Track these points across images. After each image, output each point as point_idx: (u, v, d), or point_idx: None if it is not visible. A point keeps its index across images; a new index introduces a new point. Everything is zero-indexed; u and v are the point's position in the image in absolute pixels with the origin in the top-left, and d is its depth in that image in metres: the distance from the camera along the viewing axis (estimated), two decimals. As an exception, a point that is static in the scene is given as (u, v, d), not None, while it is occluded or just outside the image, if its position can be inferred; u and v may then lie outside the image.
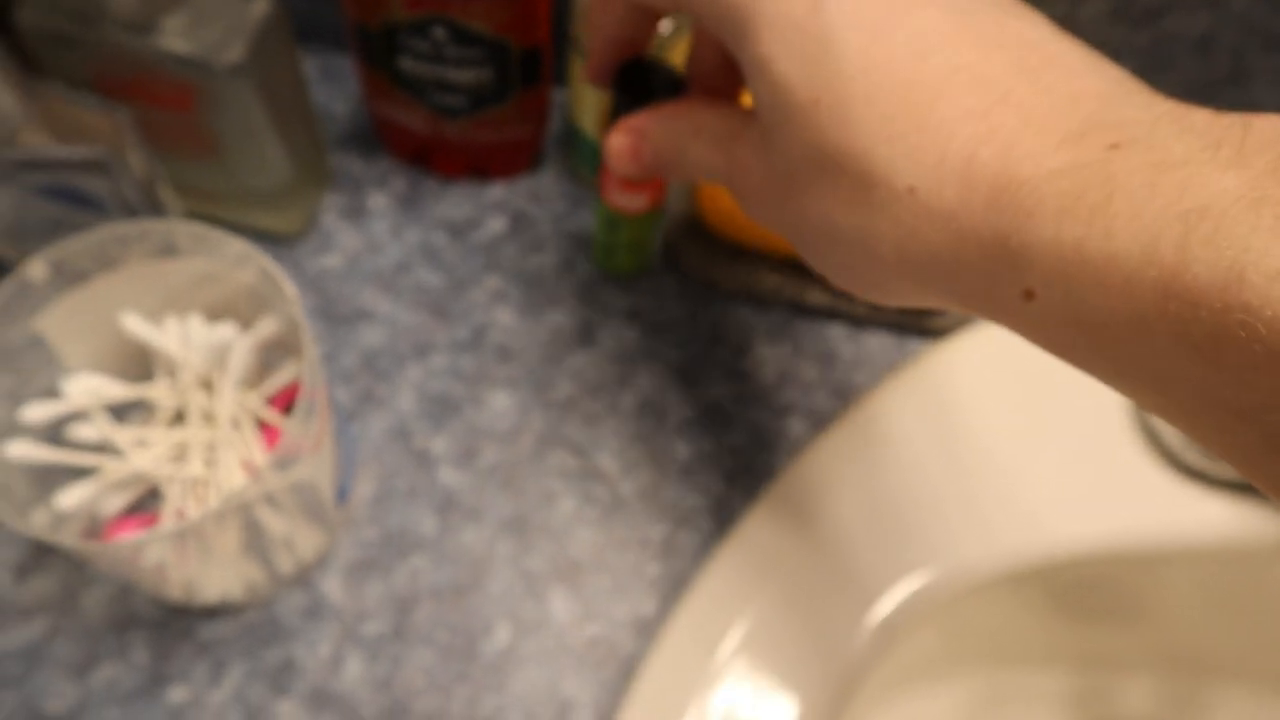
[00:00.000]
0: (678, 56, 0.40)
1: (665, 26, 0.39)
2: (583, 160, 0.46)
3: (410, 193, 0.47)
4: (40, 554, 0.39)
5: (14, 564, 0.38)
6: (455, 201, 0.47)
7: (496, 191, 0.47)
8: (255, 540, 0.35)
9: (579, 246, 0.46)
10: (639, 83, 0.35)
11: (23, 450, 0.34)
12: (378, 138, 0.47)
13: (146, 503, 0.39)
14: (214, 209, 0.44)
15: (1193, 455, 0.40)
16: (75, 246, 0.33)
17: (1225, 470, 0.40)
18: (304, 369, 0.32)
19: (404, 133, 0.45)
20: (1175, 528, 0.40)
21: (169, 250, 0.36)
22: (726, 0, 0.26)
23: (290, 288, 0.33)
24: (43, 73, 0.38)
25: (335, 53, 0.50)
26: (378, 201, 0.47)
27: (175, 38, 0.35)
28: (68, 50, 0.37)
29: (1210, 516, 0.41)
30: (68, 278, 0.35)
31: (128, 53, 0.36)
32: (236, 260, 0.35)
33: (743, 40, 0.26)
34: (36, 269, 0.33)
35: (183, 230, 0.35)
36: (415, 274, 0.45)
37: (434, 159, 0.46)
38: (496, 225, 0.46)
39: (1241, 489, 0.41)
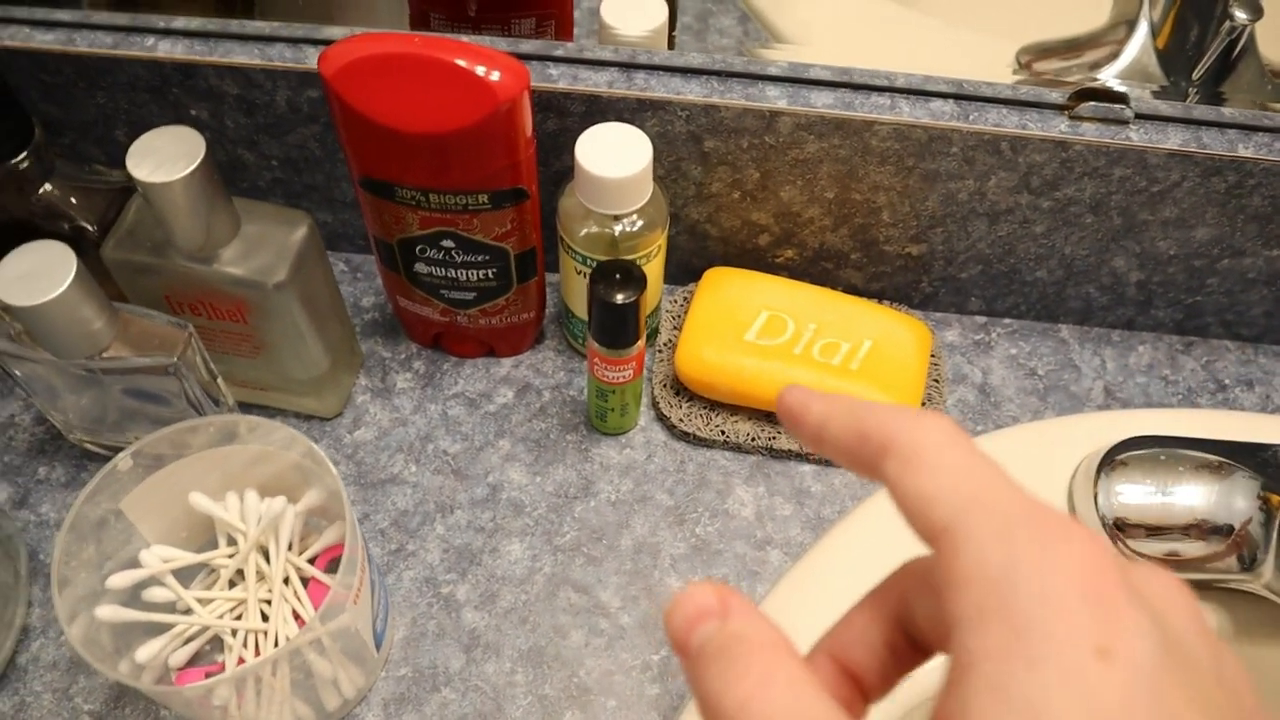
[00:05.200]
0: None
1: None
2: (575, 336, 0.53)
3: (430, 372, 0.54)
4: (117, 703, 0.44)
5: (95, 713, 0.44)
6: (469, 378, 0.54)
7: (504, 367, 0.54)
8: (305, 681, 0.41)
9: (577, 410, 0.53)
10: (610, 278, 0.43)
11: (110, 612, 0.41)
12: (400, 325, 0.55)
13: (209, 654, 0.45)
14: (263, 398, 0.52)
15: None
16: (154, 439, 0.41)
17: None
18: (346, 533, 0.39)
19: (422, 321, 0.53)
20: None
21: (228, 438, 0.43)
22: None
23: (331, 467, 0.39)
24: (123, 295, 0.46)
25: (361, 253, 0.59)
26: (402, 381, 0.54)
27: (232, 265, 0.43)
28: (144, 276, 0.45)
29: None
30: (146, 465, 0.42)
31: (193, 277, 0.44)
32: (284, 443, 0.42)
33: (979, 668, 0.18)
34: (124, 461, 0.40)
35: (239, 421, 0.42)
36: (437, 442, 0.52)
37: (449, 342, 0.54)
38: (505, 396, 0.53)
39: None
